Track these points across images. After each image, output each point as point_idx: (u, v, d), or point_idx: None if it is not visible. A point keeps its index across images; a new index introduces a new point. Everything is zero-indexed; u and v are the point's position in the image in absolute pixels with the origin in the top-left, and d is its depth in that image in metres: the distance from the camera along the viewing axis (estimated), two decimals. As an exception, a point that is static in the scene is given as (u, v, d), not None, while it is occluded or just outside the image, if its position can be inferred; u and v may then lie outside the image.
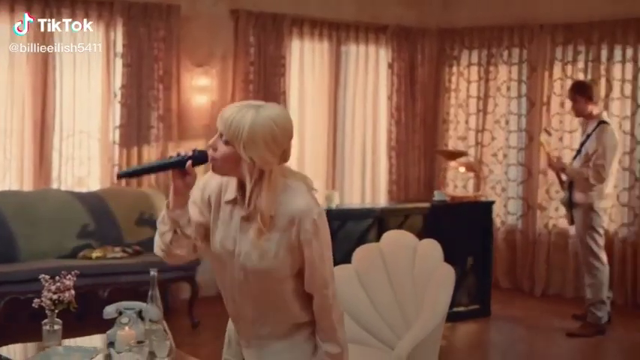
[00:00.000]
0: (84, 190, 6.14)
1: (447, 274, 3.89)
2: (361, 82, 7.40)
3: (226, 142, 2.15)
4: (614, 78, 6.83)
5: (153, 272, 3.03)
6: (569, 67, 7.03)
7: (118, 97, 6.22)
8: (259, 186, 2.16)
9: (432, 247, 4.06)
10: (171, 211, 2.24)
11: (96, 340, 3.10)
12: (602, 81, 6.83)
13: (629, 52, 6.76)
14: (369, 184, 7.48)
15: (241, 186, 2.22)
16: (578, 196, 5.74)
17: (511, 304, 6.70)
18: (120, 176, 2.63)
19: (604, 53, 6.86)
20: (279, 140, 2.15)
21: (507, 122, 7.38)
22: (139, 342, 2.89)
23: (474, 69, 7.54)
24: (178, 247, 2.27)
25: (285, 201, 2.19)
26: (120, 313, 3.06)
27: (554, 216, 7.10)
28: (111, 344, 2.96)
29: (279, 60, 6.83)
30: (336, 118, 7.26)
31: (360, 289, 3.98)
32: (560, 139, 7.06)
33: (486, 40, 7.42)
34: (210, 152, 2.21)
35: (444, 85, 7.68)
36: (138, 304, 3.12)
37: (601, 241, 5.76)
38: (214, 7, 6.62)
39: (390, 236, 4.19)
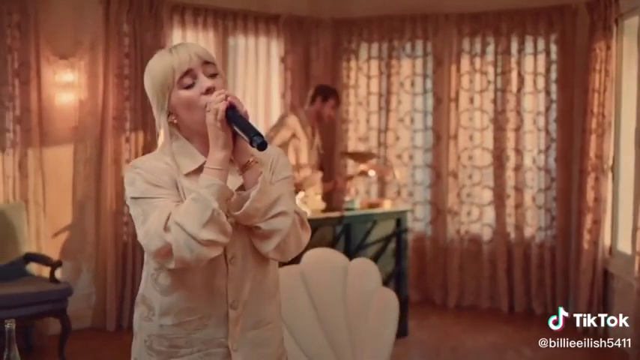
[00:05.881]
0: None
1: (389, 301, 3.18)
2: (251, 77, 6.60)
3: (213, 76, 1.87)
4: (525, 71, 6.34)
5: (9, 325, 2.13)
6: (477, 60, 6.49)
7: (-37, 95, 5.16)
8: None
9: (366, 268, 3.32)
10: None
11: None
12: (514, 74, 6.35)
13: (541, 43, 6.29)
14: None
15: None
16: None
17: (426, 319, 6.08)
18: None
19: (514, 45, 6.36)
20: None
21: (412, 120, 6.75)
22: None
23: (374, 63, 6.86)
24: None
25: None
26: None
27: (466, 221, 6.56)
28: None
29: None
30: (225, 119, 6.41)
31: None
32: (470, 137, 6.53)
33: (386, 31, 6.76)
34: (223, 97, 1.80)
35: (341, 81, 6.96)
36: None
37: None
38: (79, -12, 5.66)
39: (313, 255, 3.32)
